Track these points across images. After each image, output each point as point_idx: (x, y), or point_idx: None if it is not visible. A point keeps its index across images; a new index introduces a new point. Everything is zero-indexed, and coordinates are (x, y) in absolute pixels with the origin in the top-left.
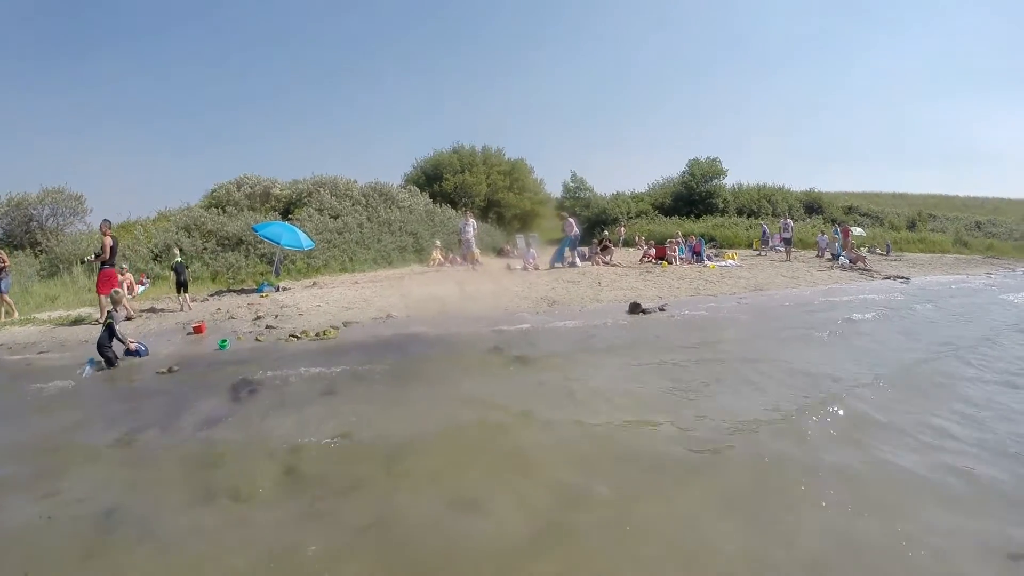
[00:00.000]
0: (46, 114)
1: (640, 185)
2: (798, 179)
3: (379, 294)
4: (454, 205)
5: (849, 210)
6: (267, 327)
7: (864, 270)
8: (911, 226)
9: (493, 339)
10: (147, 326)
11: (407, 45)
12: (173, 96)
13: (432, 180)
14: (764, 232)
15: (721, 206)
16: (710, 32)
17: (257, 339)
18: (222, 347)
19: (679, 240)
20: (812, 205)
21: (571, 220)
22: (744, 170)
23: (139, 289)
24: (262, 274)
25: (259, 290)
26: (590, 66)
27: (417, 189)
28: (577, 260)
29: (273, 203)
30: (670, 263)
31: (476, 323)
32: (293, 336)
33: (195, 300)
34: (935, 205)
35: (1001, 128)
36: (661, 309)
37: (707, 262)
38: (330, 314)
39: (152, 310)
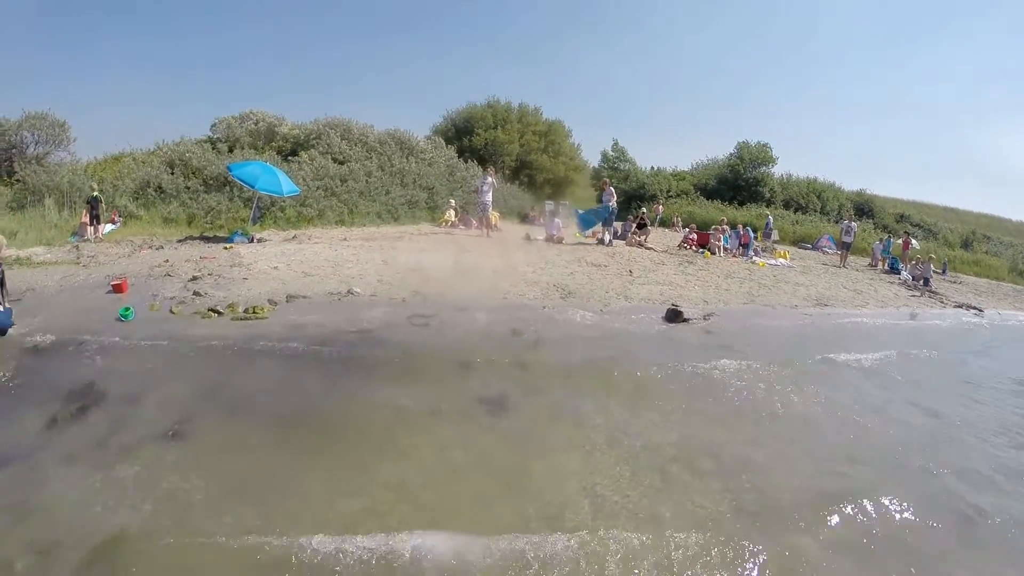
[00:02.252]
0: (35, 31)
1: (683, 163)
2: (848, 177)
3: (358, 257)
4: (483, 163)
5: (901, 218)
6: (194, 293)
7: (931, 292)
8: (965, 245)
9: (468, 349)
10: (76, 276)
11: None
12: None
13: (462, 134)
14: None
15: (768, 195)
16: (773, 21)
17: (172, 310)
18: (124, 316)
19: (725, 228)
20: (863, 207)
21: (611, 190)
22: (794, 162)
23: (106, 228)
24: (244, 220)
25: (230, 239)
26: (645, 42)
27: (442, 142)
28: (607, 236)
29: (281, 143)
30: (713, 253)
31: (457, 316)
32: (213, 311)
33: (151, 247)
34: (988, 226)
35: None
36: (705, 318)
37: (755, 257)
38: (281, 281)
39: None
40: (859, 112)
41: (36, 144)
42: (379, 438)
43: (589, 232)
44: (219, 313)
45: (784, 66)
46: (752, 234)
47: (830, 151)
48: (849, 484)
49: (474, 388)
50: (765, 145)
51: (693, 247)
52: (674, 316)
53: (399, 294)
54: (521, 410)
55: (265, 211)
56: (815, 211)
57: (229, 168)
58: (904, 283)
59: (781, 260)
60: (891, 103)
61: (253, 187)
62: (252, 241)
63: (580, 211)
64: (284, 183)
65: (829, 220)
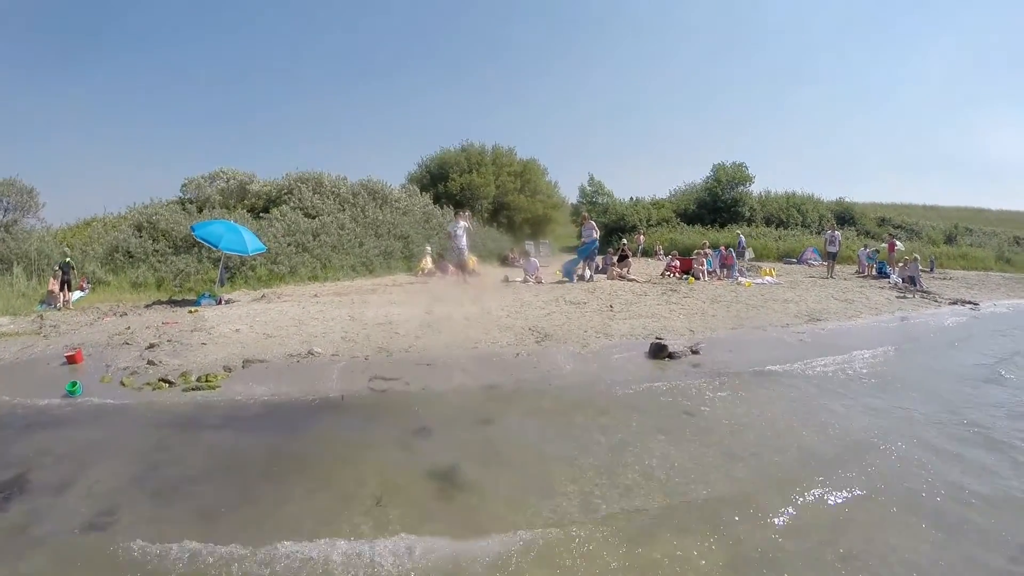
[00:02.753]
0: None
1: (661, 191)
2: (826, 188)
3: (325, 314)
4: (459, 207)
5: (882, 222)
6: (149, 362)
7: (922, 292)
8: (949, 240)
9: (427, 412)
10: (34, 348)
11: (421, 45)
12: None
13: (437, 180)
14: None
15: (748, 214)
16: (729, 38)
17: (123, 381)
18: (71, 392)
19: (707, 251)
20: (843, 215)
21: (592, 223)
22: (770, 177)
23: (75, 295)
24: (213, 282)
25: (197, 302)
26: (611, 71)
27: (416, 189)
28: (588, 272)
29: (253, 200)
30: (697, 278)
31: (422, 374)
32: (164, 381)
33: (116, 314)
34: (969, 219)
35: None
36: (694, 351)
37: (740, 278)
38: (240, 344)
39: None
40: (831, 117)
41: (4, 211)
42: (310, 530)
43: (569, 279)
44: (170, 383)
45: (752, 80)
46: (735, 254)
47: (806, 162)
48: None
49: (425, 460)
50: (741, 165)
51: (676, 274)
52: (658, 351)
53: (362, 352)
54: (474, 486)
55: (235, 271)
56: (796, 225)
57: (192, 228)
58: (895, 286)
59: (768, 278)
60: (862, 105)
61: (216, 247)
62: (220, 303)
63: (565, 262)
64: (249, 241)
65: (811, 232)
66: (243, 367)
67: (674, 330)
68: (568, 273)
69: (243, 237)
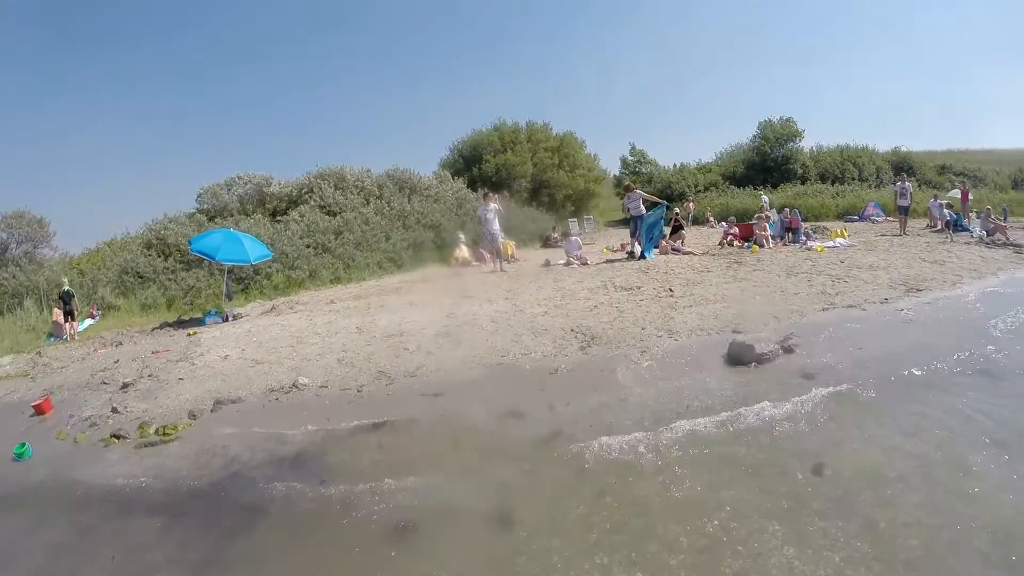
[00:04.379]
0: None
1: (706, 155)
2: (879, 139)
3: (332, 326)
4: (496, 190)
5: (943, 170)
6: (113, 410)
7: (1013, 245)
8: (1015, 185)
9: (419, 485)
10: (15, 393)
11: (443, 24)
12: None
13: (471, 163)
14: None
15: (800, 172)
16: None
17: (77, 438)
18: (19, 456)
19: (767, 214)
20: (901, 165)
21: (637, 192)
22: (821, 131)
23: (80, 325)
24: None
25: (202, 321)
26: (643, 30)
27: (448, 175)
28: (638, 248)
29: (276, 203)
30: (761, 245)
31: (425, 409)
32: (116, 436)
33: (114, 343)
34: None
35: None
36: (786, 348)
37: (810, 242)
38: (222, 377)
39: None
40: (880, 67)
41: (17, 244)
42: None
43: (650, 255)
44: (123, 438)
45: (796, 33)
46: (800, 216)
47: (857, 114)
48: None
49: None
50: (789, 120)
51: (737, 242)
52: (742, 354)
53: (357, 380)
54: None
55: (248, 282)
56: (853, 179)
57: (190, 243)
58: (980, 241)
59: (840, 240)
60: (910, 51)
61: (214, 259)
62: (226, 320)
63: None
64: (251, 249)
65: (870, 186)
66: (212, 410)
67: (753, 317)
68: (648, 246)
69: (243, 245)
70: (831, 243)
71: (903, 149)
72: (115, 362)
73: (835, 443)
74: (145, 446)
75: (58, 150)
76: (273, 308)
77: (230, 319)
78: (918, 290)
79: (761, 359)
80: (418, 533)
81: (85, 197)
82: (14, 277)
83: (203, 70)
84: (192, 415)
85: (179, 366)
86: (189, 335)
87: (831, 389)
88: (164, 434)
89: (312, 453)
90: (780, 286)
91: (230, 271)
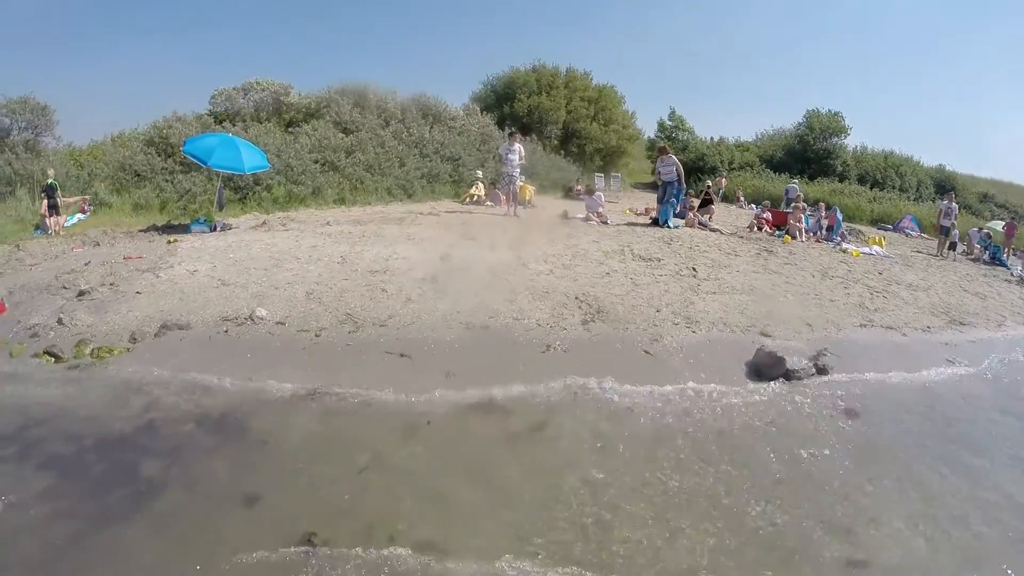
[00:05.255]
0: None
1: (746, 134)
2: (925, 152)
3: (316, 252)
4: (525, 132)
5: (984, 198)
6: (59, 321)
7: None
8: None
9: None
10: None
11: None
12: None
13: (503, 101)
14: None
15: (840, 169)
16: None
17: (12, 351)
18: None
19: (803, 204)
20: (943, 184)
21: (671, 157)
22: (866, 132)
23: (70, 219)
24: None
25: (189, 228)
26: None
27: (477, 109)
28: (667, 214)
29: (292, 114)
30: (794, 237)
31: (384, 373)
32: (49, 354)
33: (93, 243)
34: None
35: None
36: (820, 368)
37: (845, 244)
38: (181, 295)
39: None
40: (940, 83)
41: (20, 130)
42: None
43: (672, 225)
44: (57, 357)
45: (856, 27)
46: (839, 214)
47: (904, 122)
48: None
49: None
50: (836, 114)
51: (768, 228)
52: (769, 366)
53: (319, 321)
54: None
55: (247, 191)
56: (893, 187)
57: (185, 144)
58: (1021, 281)
59: (876, 248)
60: (973, 74)
61: (205, 163)
62: (213, 230)
63: (663, 207)
64: (247, 157)
65: (908, 198)
66: (156, 335)
67: (784, 320)
68: (665, 218)
69: (239, 152)
70: (867, 249)
71: (948, 168)
72: (85, 264)
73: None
74: (74, 368)
75: (72, 38)
76: (264, 223)
77: (218, 229)
78: (961, 324)
79: (791, 376)
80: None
81: (97, 90)
82: (9, 164)
83: None
84: (133, 338)
85: (143, 277)
86: (169, 242)
87: (881, 442)
88: (98, 357)
89: (238, 418)
90: (815, 288)
91: (225, 178)
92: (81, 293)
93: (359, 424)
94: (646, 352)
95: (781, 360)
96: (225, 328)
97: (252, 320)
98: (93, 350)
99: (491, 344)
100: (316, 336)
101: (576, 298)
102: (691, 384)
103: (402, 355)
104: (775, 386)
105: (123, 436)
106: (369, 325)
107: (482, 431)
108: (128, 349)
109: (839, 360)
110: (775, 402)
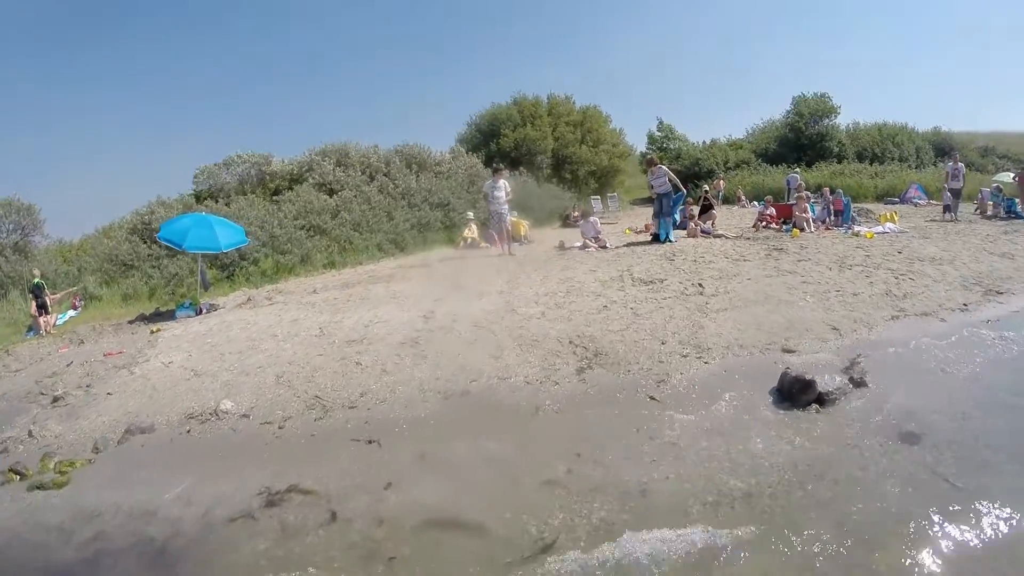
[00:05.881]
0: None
1: (737, 131)
2: (918, 117)
3: (297, 326)
4: (515, 165)
5: (985, 152)
6: (28, 434)
7: None
8: None
9: None
10: None
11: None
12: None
13: (489, 138)
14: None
15: (836, 150)
16: None
17: None
18: None
19: (806, 193)
20: (942, 146)
21: (661, 168)
22: (857, 108)
23: (62, 317)
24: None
25: (175, 314)
26: (672, 4)
27: (463, 150)
28: (666, 229)
29: (277, 182)
30: (802, 229)
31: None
32: (14, 472)
33: (79, 341)
34: None
35: None
36: (856, 381)
37: (856, 227)
38: (151, 392)
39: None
40: (918, 42)
41: (8, 232)
42: None
43: (672, 240)
44: (21, 475)
45: (831, 5)
46: (845, 198)
47: (893, 90)
48: None
49: None
50: (824, 96)
51: (774, 224)
52: (799, 392)
53: (285, 409)
54: None
55: (234, 268)
56: (893, 159)
57: (160, 229)
58: None
59: (890, 225)
60: (947, 26)
61: (180, 247)
62: (199, 312)
63: (663, 223)
64: (222, 235)
65: (910, 166)
66: (119, 442)
67: (806, 327)
68: (665, 233)
69: (213, 230)
70: (880, 228)
71: (943, 129)
72: (67, 365)
73: None
74: (35, 488)
75: (51, 138)
76: (249, 300)
77: (204, 311)
78: (998, 292)
79: (825, 399)
80: None
81: (82, 186)
82: (0, 268)
83: (203, 46)
84: (96, 448)
85: (118, 375)
86: (152, 332)
87: (952, 482)
88: (61, 472)
89: (180, 546)
90: (835, 283)
91: (210, 258)
92: (55, 399)
93: (311, 539)
94: (652, 399)
95: (810, 384)
96: (188, 428)
97: (216, 415)
98: (56, 464)
99: (471, 413)
100: (280, 428)
101: (570, 342)
102: (706, 425)
103: (370, 441)
104: (808, 415)
105: (68, 569)
106: (338, 408)
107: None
108: (91, 461)
109: (877, 366)
110: (809, 438)
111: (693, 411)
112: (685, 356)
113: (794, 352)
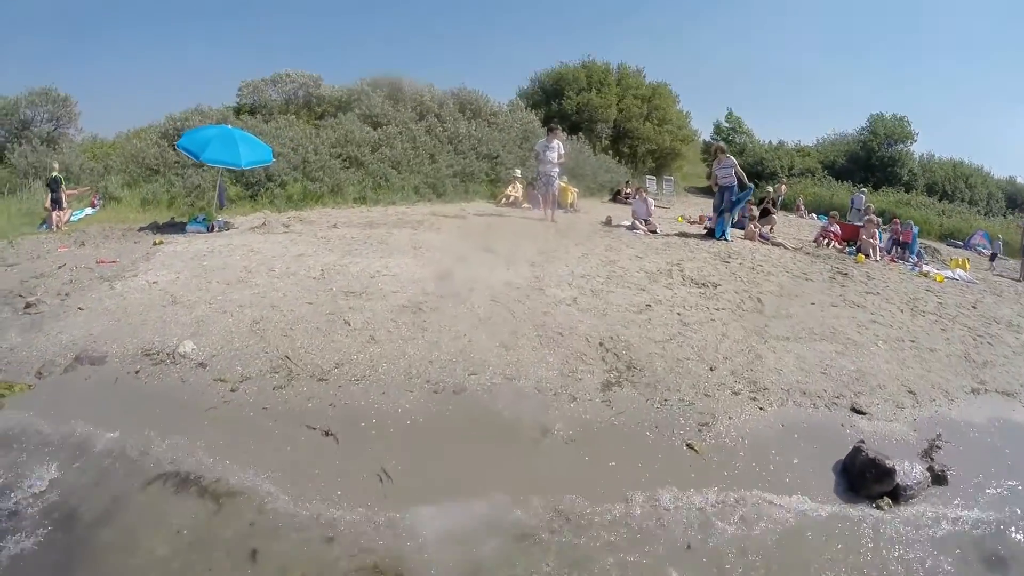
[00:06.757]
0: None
1: (806, 138)
2: (994, 163)
3: (299, 263)
4: (574, 130)
5: None
6: None
7: None
8: None
9: None
10: None
11: None
12: None
13: (552, 98)
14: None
15: (906, 178)
16: None
17: None
18: None
19: (876, 220)
20: (1015, 198)
21: (729, 159)
22: (933, 140)
23: (78, 214)
24: (232, 201)
25: (184, 228)
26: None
27: (521, 104)
28: (724, 225)
29: (324, 107)
30: (867, 255)
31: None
32: None
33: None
34: None
35: None
36: (937, 476)
37: (924, 265)
38: (121, 315)
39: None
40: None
41: (41, 122)
42: None
43: (724, 238)
44: None
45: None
46: (915, 230)
47: (973, 131)
48: None
49: None
50: (902, 119)
51: (836, 243)
52: (872, 481)
53: (248, 366)
54: None
55: (260, 188)
56: (963, 200)
57: (182, 137)
58: None
59: (960, 272)
60: None
61: (198, 158)
62: (211, 229)
63: (720, 219)
64: (245, 152)
65: (978, 212)
66: (64, 371)
67: (879, 383)
68: (721, 230)
69: (237, 146)
70: (949, 273)
71: (1019, 180)
72: (58, 268)
73: None
74: None
75: (100, 34)
76: (264, 224)
77: (215, 229)
78: None
79: (899, 495)
80: None
81: (128, 85)
82: (25, 157)
83: None
84: (40, 373)
85: (99, 288)
86: (155, 243)
87: None
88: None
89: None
90: (908, 329)
91: (236, 174)
92: (28, 305)
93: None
94: (689, 447)
95: (890, 472)
96: (138, 368)
97: (172, 358)
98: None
99: (459, 423)
100: (232, 390)
101: (600, 344)
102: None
103: (327, 433)
104: (876, 514)
105: None
106: (304, 377)
107: None
108: (31, 387)
109: (959, 455)
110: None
111: (737, 484)
112: (737, 394)
113: (865, 414)
